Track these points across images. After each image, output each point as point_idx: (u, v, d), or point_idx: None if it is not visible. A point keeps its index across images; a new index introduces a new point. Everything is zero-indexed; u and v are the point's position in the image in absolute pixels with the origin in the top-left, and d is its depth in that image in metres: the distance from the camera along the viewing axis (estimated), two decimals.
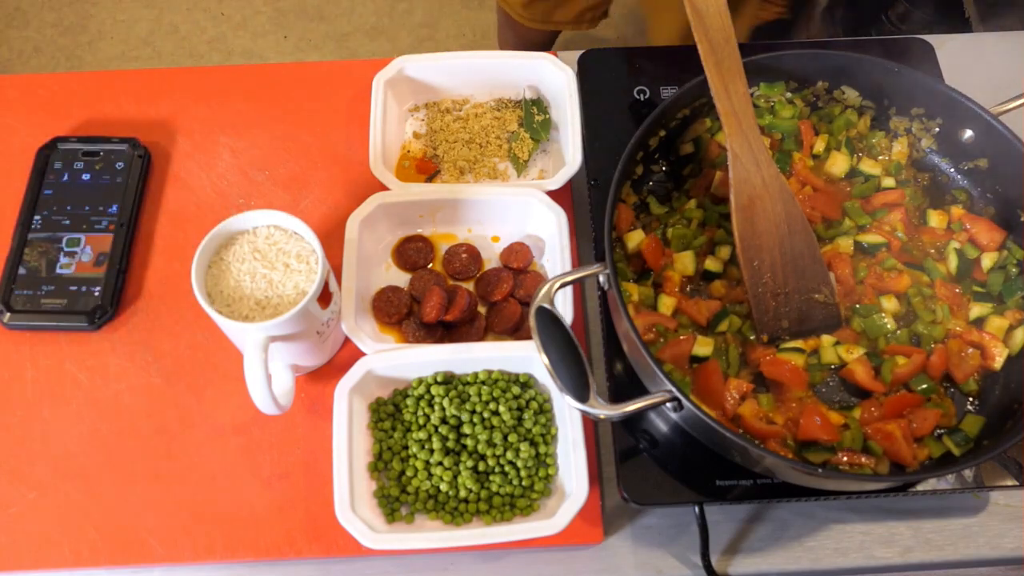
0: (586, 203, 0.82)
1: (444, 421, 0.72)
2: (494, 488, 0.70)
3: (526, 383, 0.74)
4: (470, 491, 0.70)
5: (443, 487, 0.70)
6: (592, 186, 0.81)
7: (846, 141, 0.80)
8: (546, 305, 0.63)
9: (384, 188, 0.81)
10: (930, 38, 0.92)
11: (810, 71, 0.80)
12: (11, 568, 0.70)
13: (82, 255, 0.80)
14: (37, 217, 0.82)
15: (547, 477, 0.71)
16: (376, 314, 0.78)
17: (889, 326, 0.72)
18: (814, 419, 0.67)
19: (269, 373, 0.66)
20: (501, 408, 0.72)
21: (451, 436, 0.71)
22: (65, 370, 0.77)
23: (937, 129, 0.79)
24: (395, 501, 0.70)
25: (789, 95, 0.81)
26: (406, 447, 0.72)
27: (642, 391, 0.64)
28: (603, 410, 0.60)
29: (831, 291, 0.72)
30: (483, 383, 0.73)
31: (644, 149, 0.77)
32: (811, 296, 0.71)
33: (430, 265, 0.82)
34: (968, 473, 0.69)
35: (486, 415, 0.72)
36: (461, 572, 0.72)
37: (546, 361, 0.61)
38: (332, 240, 0.79)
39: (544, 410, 0.73)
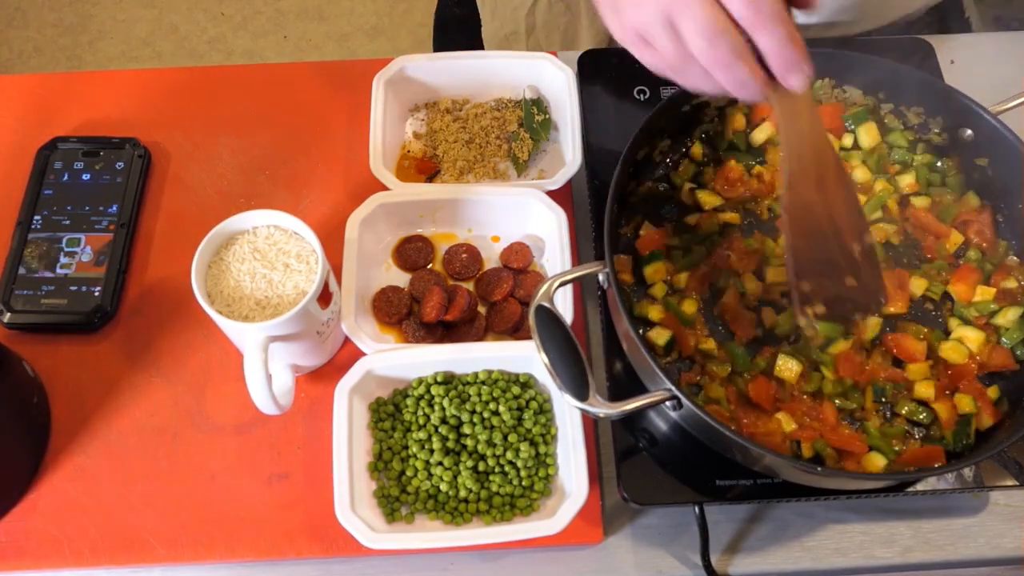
0: (586, 203, 0.82)
1: (444, 421, 0.72)
2: (494, 488, 0.70)
3: (526, 383, 0.74)
4: (470, 491, 0.70)
5: (443, 487, 0.70)
6: (592, 186, 0.81)
7: None
8: (546, 304, 0.63)
9: (384, 188, 0.81)
10: (930, 38, 0.92)
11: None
12: (11, 568, 0.70)
13: (82, 255, 0.80)
14: (37, 217, 0.82)
15: (547, 477, 0.71)
16: (376, 314, 0.78)
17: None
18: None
19: (269, 373, 0.66)
20: (501, 408, 0.72)
21: (451, 436, 0.71)
22: (65, 370, 0.77)
23: (937, 129, 0.79)
24: (395, 501, 0.70)
25: None
26: (406, 447, 0.72)
27: (642, 390, 0.64)
28: (603, 408, 0.60)
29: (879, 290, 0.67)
30: (483, 383, 0.73)
31: (644, 149, 0.77)
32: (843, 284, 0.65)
33: (430, 265, 0.82)
34: (968, 473, 0.69)
35: (486, 415, 0.72)
36: (461, 572, 0.72)
37: (546, 360, 0.61)
38: (332, 240, 0.79)
39: (544, 410, 0.73)
